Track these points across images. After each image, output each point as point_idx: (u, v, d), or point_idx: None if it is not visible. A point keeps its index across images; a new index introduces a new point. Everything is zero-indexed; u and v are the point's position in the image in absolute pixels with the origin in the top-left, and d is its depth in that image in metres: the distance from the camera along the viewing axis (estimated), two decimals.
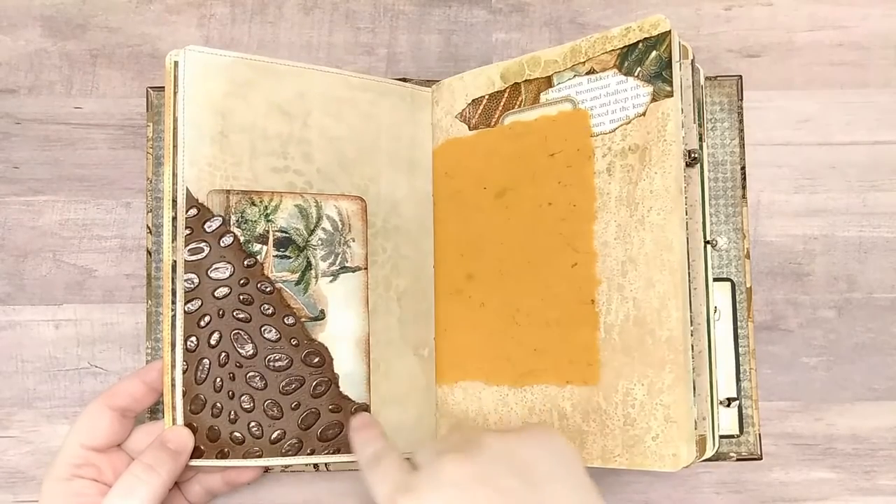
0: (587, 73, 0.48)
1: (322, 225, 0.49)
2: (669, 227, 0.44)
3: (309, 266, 0.48)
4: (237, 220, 0.47)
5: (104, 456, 0.46)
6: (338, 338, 0.49)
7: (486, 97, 0.51)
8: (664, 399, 0.43)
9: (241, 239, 0.47)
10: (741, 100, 0.54)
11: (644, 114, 0.45)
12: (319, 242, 0.49)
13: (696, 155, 0.45)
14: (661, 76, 0.45)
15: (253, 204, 0.47)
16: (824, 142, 0.56)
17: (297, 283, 0.48)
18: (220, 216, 0.46)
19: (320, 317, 0.48)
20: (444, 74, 0.54)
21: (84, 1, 0.57)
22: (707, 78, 0.54)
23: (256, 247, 0.47)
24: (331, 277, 0.49)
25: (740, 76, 0.55)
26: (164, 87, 0.51)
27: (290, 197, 0.48)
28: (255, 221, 0.47)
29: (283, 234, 0.48)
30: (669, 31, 0.45)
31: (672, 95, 0.44)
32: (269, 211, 0.48)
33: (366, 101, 0.50)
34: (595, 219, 0.47)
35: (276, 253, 0.48)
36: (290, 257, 0.48)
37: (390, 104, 0.51)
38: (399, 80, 0.53)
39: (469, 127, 0.51)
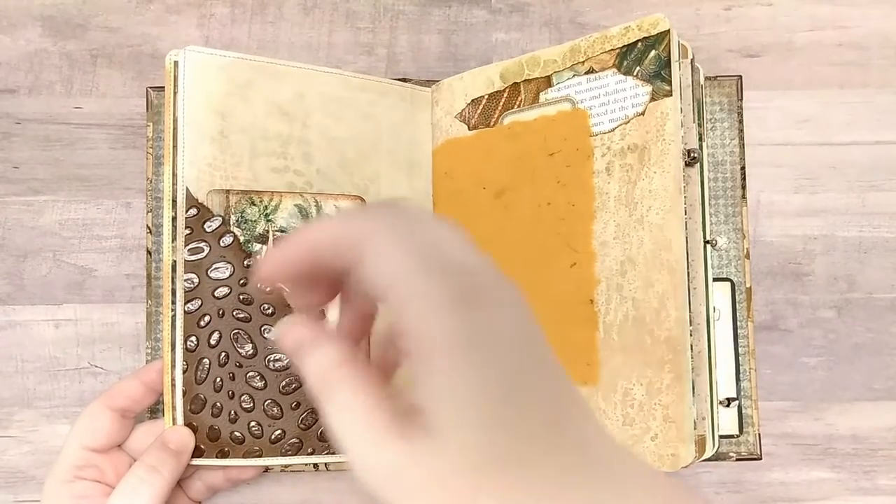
0: (586, 73, 0.48)
1: None
2: (668, 227, 0.44)
3: None
4: (237, 220, 0.47)
5: (105, 457, 0.46)
6: None
7: (486, 97, 0.51)
8: (663, 399, 0.43)
9: (241, 239, 0.47)
10: (741, 100, 0.54)
11: (643, 113, 0.45)
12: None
13: (696, 155, 0.45)
14: (659, 75, 0.45)
15: (252, 204, 0.47)
16: (824, 142, 0.56)
17: None
18: (220, 216, 0.46)
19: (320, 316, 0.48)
20: (444, 74, 0.54)
21: (84, 1, 0.57)
22: (707, 78, 0.54)
23: (256, 246, 0.47)
24: None
25: (740, 76, 0.55)
26: (164, 87, 0.51)
27: (290, 197, 0.48)
28: (254, 221, 0.47)
29: (283, 234, 0.48)
30: (668, 31, 0.45)
31: (671, 95, 0.45)
32: (268, 211, 0.48)
33: (365, 102, 0.50)
34: (594, 218, 0.47)
35: None
36: None
37: (390, 104, 0.51)
38: (399, 80, 0.53)
39: (469, 127, 0.51)
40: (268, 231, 0.48)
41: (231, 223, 0.47)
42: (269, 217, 0.48)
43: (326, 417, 0.26)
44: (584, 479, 0.25)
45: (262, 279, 0.29)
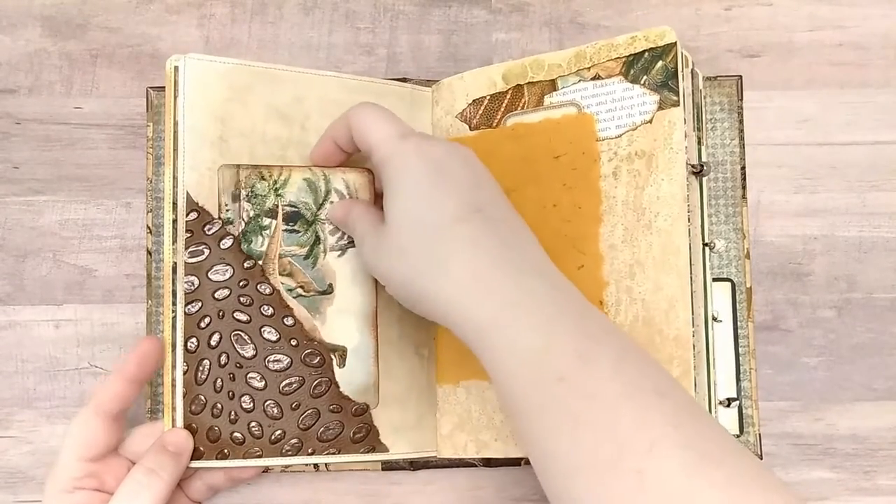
0: (592, 79, 0.48)
1: (330, 199, 0.49)
2: (676, 233, 0.44)
3: (318, 240, 0.48)
4: (247, 195, 0.47)
5: (103, 464, 0.46)
6: (345, 312, 0.49)
7: (488, 98, 0.51)
8: None
9: (252, 213, 0.47)
10: (741, 100, 0.54)
11: (651, 121, 0.46)
12: (328, 217, 0.49)
13: (704, 168, 0.46)
14: (667, 85, 0.46)
15: (262, 178, 0.47)
16: (824, 142, 0.56)
17: (306, 257, 0.48)
18: (220, 219, 0.46)
19: (328, 291, 0.48)
20: (444, 74, 0.54)
21: (84, 1, 0.57)
22: (707, 78, 0.54)
23: (266, 221, 0.47)
24: (339, 252, 0.49)
25: (740, 76, 0.55)
26: (163, 87, 0.51)
27: (299, 171, 0.48)
28: (264, 196, 0.47)
29: (293, 209, 0.48)
30: (675, 43, 0.45)
31: (678, 105, 0.45)
32: (278, 185, 0.48)
33: None
34: (601, 221, 0.47)
35: (285, 227, 0.48)
36: (298, 231, 0.48)
37: (389, 105, 0.51)
38: (399, 80, 0.53)
39: (470, 127, 0.51)
40: (277, 205, 0.48)
41: (241, 198, 0.47)
42: (279, 192, 0.48)
43: (353, 234, 0.47)
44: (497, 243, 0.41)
45: (314, 160, 0.49)
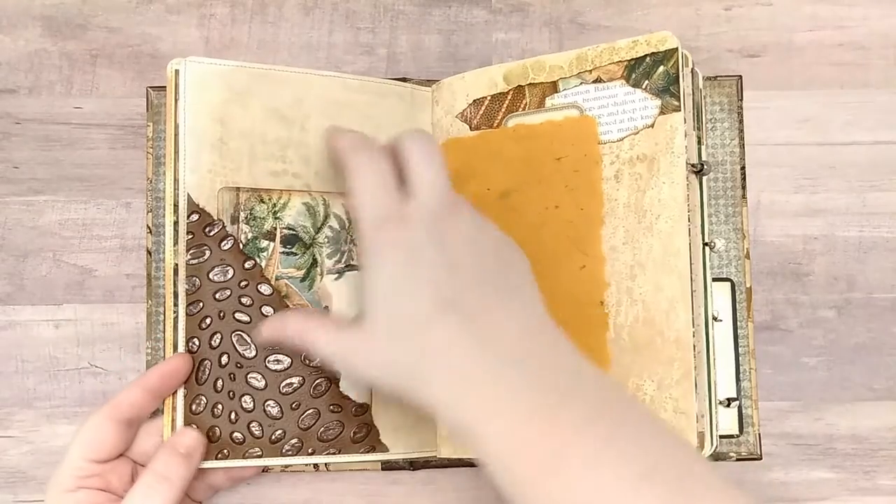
0: (594, 82, 0.48)
1: (329, 223, 0.49)
2: (677, 235, 0.45)
3: (315, 263, 0.49)
4: (246, 217, 0.47)
5: (109, 465, 0.46)
6: None
7: (489, 98, 0.51)
8: (673, 393, 0.44)
9: (250, 235, 0.47)
10: (741, 100, 0.54)
11: (652, 125, 0.46)
12: (326, 240, 0.49)
13: (704, 167, 0.46)
14: (668, 90, 0.46)
15: (261, 201, 0.47)
16: (824, 142, 0.56)
17: (303, 279, 0.48)
18: (221, 220, 0.46)
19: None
20: (444, 74, 0.54)
21: (84, 1, 0.56)
22: (707, 78, 0.54)
23: (264, 243, 0.47)
24: (336, 275, 0.49)
25: (740, 76, 0.55)
26: (163, 87, 0.51)
27: (298, 195, 0.48)
28: (263, 218, 0.47)
29: (291, 232, 0.48)
30: (676, 49, 0.46)
31: (680, 110, 0.45)
32: (277, 208, 0.48)
33: (364, 103, 0.50)
34: (603, 223, 0.47)
35: (282, 250, 0.48)
36: (296, 254, 0.48)
37: (389, 105, 0.51)
38: (399, 79, 0.53)
39: (471, 127, 0.51)
40: (275, 228, 0.48)
41: (240, 220, 0.47)
42: (278, 215, 0.48)
43: (316, 352, 0.44)
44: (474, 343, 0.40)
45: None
